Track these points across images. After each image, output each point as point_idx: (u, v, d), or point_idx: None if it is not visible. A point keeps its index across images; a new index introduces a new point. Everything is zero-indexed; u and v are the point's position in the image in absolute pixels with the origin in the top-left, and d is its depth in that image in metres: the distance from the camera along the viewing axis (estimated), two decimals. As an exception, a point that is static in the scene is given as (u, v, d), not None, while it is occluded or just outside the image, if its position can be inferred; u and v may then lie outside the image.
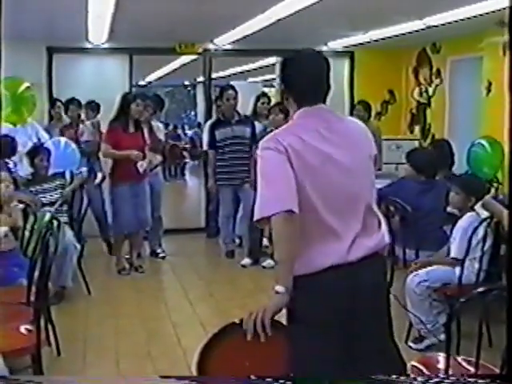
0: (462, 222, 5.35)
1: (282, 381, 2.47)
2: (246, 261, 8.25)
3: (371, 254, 3.01)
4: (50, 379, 2.00)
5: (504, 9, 6.65)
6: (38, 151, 7.17)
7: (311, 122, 3.02)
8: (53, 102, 8.85)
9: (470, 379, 2.18)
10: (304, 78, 3.13)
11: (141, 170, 7.55)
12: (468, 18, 7.26)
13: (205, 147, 8.76)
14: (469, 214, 5.36)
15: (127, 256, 8.10)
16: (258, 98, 9.16)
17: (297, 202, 2.83)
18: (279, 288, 2.80)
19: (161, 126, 8.88)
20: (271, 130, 8.08)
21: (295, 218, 2.82)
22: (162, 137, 8.58)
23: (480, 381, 2.08)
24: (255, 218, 2.89)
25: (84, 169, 7.73)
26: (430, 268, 5.43)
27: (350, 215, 2.99)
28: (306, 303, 2.94)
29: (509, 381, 1.90)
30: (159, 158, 8.44)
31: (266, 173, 2.94)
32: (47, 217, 5.91)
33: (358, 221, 3.00)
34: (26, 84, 7.33)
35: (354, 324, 2.98)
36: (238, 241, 9.00)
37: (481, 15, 7.04)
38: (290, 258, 2.84)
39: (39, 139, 7.96)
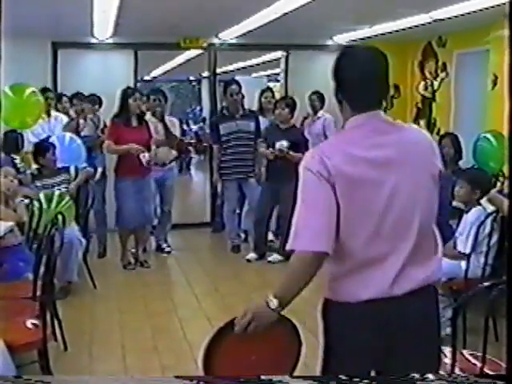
0: (468, 217, 5.35)
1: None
2: (252, 255, 8.24)
3: (421, 286, 2.65)
4: (60, 379, 2.00)
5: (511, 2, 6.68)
6: (44, 146, 7.18)
7: (362, 134, 2.66)
8: (59, 96, 8.84)
9: (469, 379, 2.14)
10: (356, 80, 2.69)
11: (144, 161, 7.50)
12: (474, 12, 7.26)
13: (210, 141, 8.79)
14: (475, 208, 5.35)
15: (133, 250, 8.11)
16: (262, 93, 9.17)
17: (333, 240, 2.58)
18: (274, 304, 2.68)
19: (176, 121, 8.83)
20: (277, 125, 8.15)
21: (324, 258, 2.60)
22: (177, 133, 8.53)
23: (482, 380, 2.04)
24: (287, 248, 2.65)
25: (85, 164, 7.72)
26: None
27: (398, 241, 2.62)
28: (341, 332, 2.75)
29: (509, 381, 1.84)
30: (174, 153, 8.44)
31: (305, 198, 2.64)
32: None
33: (409, 247, 2.62)
34: (32, 89, 7.33)
35: (391, 364, 2.70)
36: (243, 235, 9.00)
37: (487, 9, 7.03)
38: (299, 290, 2.73)
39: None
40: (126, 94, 7.63)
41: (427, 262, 2.70)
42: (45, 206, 6.29)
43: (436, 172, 2.78)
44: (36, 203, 6.20)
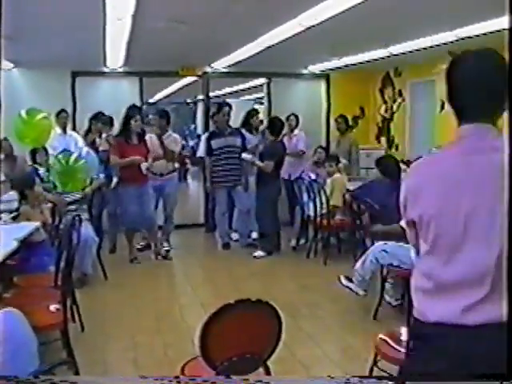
0: None
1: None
2: (259, 253, 8.21)
3: (494, 323, 1.99)
4: (84, 379, 2.01)
5: (452, 42, 6.79)
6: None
7: (459, 148, 2.10)
8: (91, 118, 8.81)
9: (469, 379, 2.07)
10: (462, 85, 2.14)
11: (143, 169, 7.64)
12: (424, 48, 7.38)
13: (201, 154, 8.78)
14: None
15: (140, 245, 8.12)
16: (248, 113, 9.21)
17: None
18: None
19: (178, 138, 8.75)
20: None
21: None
22: (175, 148, 8.38)
23: (480, 381, 1.97)
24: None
25: (101, 175, 7.75)
26: (393, 243, 5.49)
27: (478, 268, 2.02)
28: (413, 344, 2.29)
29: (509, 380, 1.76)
30: (171, 165, 8.37)
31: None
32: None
33: (489, 278, 2.00)
34: (44, 114, 7.35)
35: None
36: (236, 236, 8.97)
37: (435, 46, 7.15)
38: None
39: (80, 147, 8.07)
40: (129, 115, 7.66)
41: (500, 298, 1.98)
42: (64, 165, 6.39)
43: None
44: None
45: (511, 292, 1.89)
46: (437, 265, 2.11)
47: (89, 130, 8.76)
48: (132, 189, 7.63)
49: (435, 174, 2.13)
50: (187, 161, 16.69)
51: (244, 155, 8.28)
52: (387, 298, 5.80)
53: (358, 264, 5.69)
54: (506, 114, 2.02)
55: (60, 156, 6.75)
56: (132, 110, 7.81)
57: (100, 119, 8.57)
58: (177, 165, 8.57)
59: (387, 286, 5.80)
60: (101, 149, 8.27)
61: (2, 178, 7.20)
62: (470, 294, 2.02)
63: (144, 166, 7.64)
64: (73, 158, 6.58)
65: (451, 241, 2.06)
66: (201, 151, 8.81)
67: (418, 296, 2.21)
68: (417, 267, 2.24)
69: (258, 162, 8.11)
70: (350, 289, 5.74)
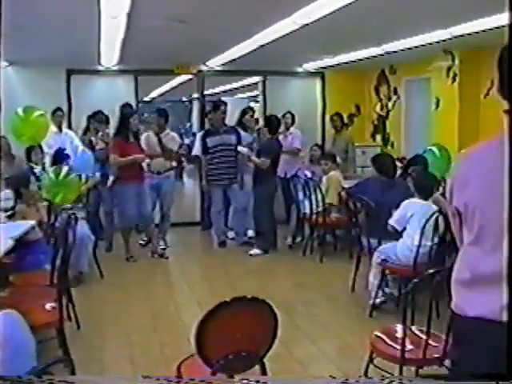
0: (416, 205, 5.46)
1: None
2: (255, 251, 8.18)
3: None
4: (83, 379, 2.01)
5: (446, 40, 6.80)
6: (61, 157, 7.19)
7: (506, 136, 1.92)
8: (89, 116, 8.80)
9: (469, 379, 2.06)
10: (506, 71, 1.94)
11: (145, 165, 7.84)
12: (418, 46, 7.37)
13: (196, 153, 8.78)
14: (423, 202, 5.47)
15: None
16: (243, 111, 9.19)
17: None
18: None
19: (176, 136, 8.74)
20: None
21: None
22: (174, 146, 8.41)
23: (480, 380, 1.96)
24: None
25: (97, 174, 7.75)
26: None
27: None
28: (455, 338, 2.32)
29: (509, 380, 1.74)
30: (169, 163, 8.40)
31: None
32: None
33: None
34: (40, 111, 7.34)
35: None
36: (232, 234, 8.97)
37: (429, 44, 7.15)
38: None
39: (75, 145, 8.13)
40: (126, 113, 7.69)
41: None
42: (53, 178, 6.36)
43: None
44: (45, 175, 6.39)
45: (510, 294, 1.87)
46: (480, 256, 2.07)
47: (87, 129, 8.74)
48: (130, 187, 7.64)
49: (481, 163, 2.09)
50: (183, 159, 16.66)
51: (240, 148, 8.28)
52: (387, 290, 5.81)
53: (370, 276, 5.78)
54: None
55: (50, 170, 6.71)
56: (128, 109, 7.87)
57: (97, 118, 8.56)
58: (174, 163, 8.57)
59: (389, 278, 5.83)
60: (97, 147, 8.27)
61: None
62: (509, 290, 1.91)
63: (146, 162, 7.79)
64: (64, 171, 6.53)
65: (495, 232, 2.00)
66: (196, 150, 8.80)
67: (457, 289, 2.18)
68: (459, 259, 2.21)
69: (254, 158, 8.10)
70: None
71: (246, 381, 1.50)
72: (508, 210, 1.85)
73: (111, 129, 8.25)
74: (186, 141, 18.45)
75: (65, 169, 6.54)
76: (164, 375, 1.62)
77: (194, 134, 14.97)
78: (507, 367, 1.85)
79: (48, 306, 4.29)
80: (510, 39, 1.86)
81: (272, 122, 8.36)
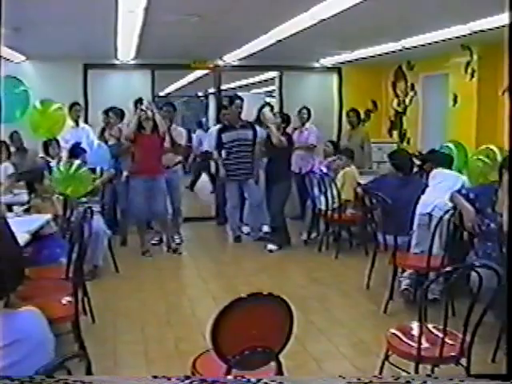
0: None
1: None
2: (272, 246, 8.16)
3: None
4: (99, 379, 2.00)
5: (465, 36, 6.75)
6: (77, 151, 7.21)
7: None
8: (105, 111, 8.85)
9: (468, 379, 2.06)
10: None
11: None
12: (436, 42, 7.31)
13: (207, 148, 8.80)
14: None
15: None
16: (262, 107, 9.16)
17: None
18: None
19: (183, 131, 8.69)
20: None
21: None
22: (181, 141, 8.41)
23: (480, 380, 1.97)
24: None
25: (112, 169, 7.78)
26: None
27: None
28: None
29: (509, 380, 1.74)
30: (178, 158, 8.44)
31: None
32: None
33: None
34: (58, 105, 7.37)
35: None
36: (247, 229, 8.96)
37: (447, 39, 7.09)
38: None
39: (91, 140, 8.19)
40: (136, 107, 7.77)
41: None
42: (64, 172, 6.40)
43: None
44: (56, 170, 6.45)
45: (511, 294, 1.84)
46: None
47: (106, 125, 8.76)
48: (140, 182, 7.65)
49: None
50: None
51: (265, 110, 8.25)
52: (403, 285, 5.78)
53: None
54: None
55: (61, 165, 6.74)
56: (138, 102, 8.07)
57: (113, 111, 8.60)
58: (180, 157, 8.58)
59: (405, 274, 5.80)
60: (109, 143, 8.30)
61: (13, 170, 7.25)
62: None
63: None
64: (75, 165, 6.55)
65: None
66: (208, 145, 8.80)
67: None
68: None
69: (275, 130, 7.98)
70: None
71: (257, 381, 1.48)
72: (508, 210, 1.84)
73: (124, 124, 8.30)
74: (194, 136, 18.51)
75: (76, 162, 6.57)
76: (179, 370, 1.62)
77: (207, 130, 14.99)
78: (507, 367, 1.84)
79: (64, 299, 4.31)
80: (510, 39, 1.89)
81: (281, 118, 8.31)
